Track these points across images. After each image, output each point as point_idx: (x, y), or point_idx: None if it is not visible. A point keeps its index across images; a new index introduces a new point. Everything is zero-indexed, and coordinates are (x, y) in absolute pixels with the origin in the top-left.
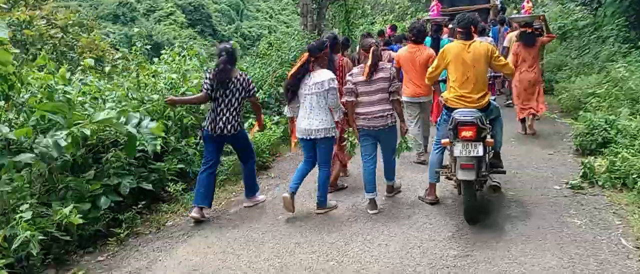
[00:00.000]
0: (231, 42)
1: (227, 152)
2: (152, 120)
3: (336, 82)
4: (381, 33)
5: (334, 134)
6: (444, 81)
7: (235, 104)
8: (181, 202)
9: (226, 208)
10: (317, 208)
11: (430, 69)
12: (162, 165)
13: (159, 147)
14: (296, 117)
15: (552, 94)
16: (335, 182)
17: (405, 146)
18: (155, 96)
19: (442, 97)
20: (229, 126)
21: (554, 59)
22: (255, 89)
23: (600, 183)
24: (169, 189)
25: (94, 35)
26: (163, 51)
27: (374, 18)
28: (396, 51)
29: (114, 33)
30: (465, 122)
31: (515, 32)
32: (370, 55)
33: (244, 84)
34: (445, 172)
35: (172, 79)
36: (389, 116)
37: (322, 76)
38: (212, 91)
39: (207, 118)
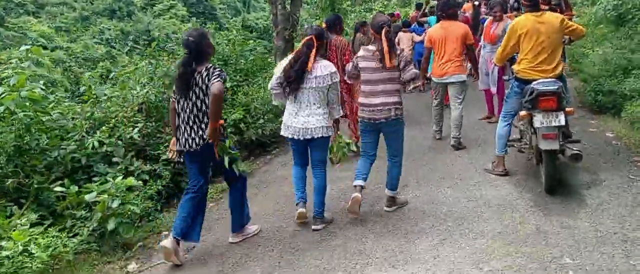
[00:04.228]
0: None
1: None
2: None
3: (338, 76)
4: (419, 6)
5: (331, 134)
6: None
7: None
8: None
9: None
10: (314, 223)
11: (499, 50)
12: None
13: None
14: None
15: (616, 115)
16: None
17: (344, 148)
18: None
19: (511, 69)
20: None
21: (610, 55)
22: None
23: None
24: None
25: None
26: None
27: (370, 4)
28: (419, 34)
29: (110, 29)
30: (546, 92)
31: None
32: (384, 38)
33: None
34: (518, 145)
35: None
36: (393, 108)
37: (323, 68)
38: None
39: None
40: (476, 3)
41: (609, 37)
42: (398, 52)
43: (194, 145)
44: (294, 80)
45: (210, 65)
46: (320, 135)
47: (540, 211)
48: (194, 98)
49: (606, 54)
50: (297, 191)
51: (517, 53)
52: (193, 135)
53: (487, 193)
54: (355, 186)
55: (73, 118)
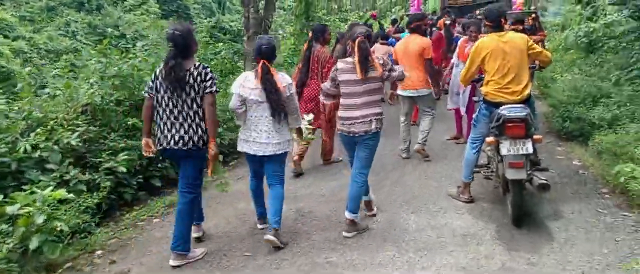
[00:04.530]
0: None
1: None
2: None
3: (294, 87)
4: (394, 22)
5: (291, 147)
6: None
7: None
8: None
9: None
10: (272, 234)
11: (463, 71)
12: None
13: None
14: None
15: (584, 142)
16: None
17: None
18: None
19: (480, 91)
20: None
21: (579, 81)
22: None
23: None
24: None
25: None
26: None
27: (346, 14)
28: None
29: (77, 22)
30: (514, 118)
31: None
32: (356, 48)
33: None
34: (485, 172)
35: None
36: (374, 120)
37: (281, 80)
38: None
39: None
40: (447, 22)
41: (578, 64)
42: (381, 61)
43: (190, 144)
44: (283, 107)
45: (199, 63)
46: (283, 150)
47: (506, 245)
48: (184, 96)
49: (575, 81)
50: (257, 206)
51: (482, 75)
52: (182, 133)
53: (452, 221)
54: (348, 221)
55: (8, 118)
